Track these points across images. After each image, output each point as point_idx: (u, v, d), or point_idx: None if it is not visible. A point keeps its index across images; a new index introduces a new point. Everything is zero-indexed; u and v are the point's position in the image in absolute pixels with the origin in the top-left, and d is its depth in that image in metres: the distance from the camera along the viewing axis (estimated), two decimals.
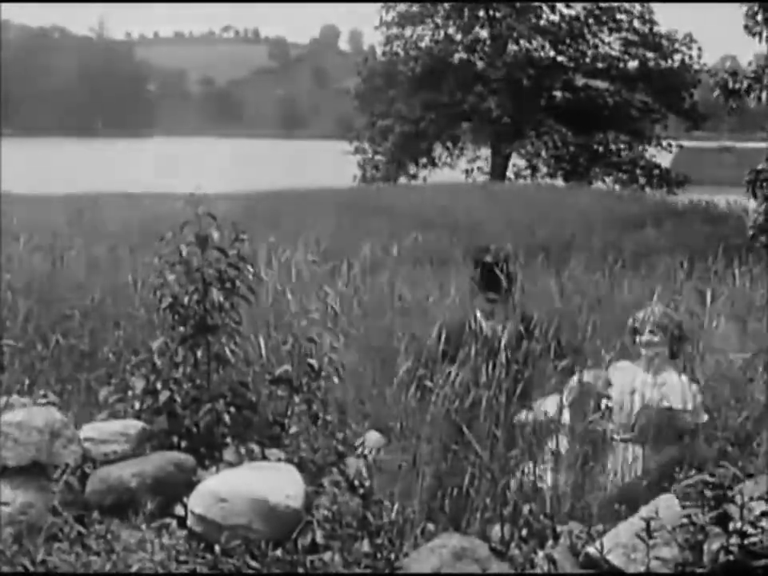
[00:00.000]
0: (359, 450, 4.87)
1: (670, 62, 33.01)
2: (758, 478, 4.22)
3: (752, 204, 17.02)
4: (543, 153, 31.90)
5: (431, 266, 10.89)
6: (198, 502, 4.45)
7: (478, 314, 5.97)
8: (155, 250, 5.26)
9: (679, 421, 5.40)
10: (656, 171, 32.41)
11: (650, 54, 32.91)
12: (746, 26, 16.71)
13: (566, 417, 5.05)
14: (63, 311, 7.79)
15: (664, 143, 32.97)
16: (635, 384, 5.48)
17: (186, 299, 5.11)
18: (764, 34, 16.53)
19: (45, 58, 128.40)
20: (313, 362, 5.19)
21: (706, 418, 5.45)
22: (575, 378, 5.21)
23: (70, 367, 6.68)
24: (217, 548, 4.26)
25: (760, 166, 16.15)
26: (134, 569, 4.14)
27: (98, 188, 22.48)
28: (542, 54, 32.98)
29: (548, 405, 5.18)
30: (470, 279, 6.18)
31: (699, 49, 33.05)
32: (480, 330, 5.85)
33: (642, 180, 32.08)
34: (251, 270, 5.22)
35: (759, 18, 16.40)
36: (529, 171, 32.49)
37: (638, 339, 5.60)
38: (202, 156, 66.85)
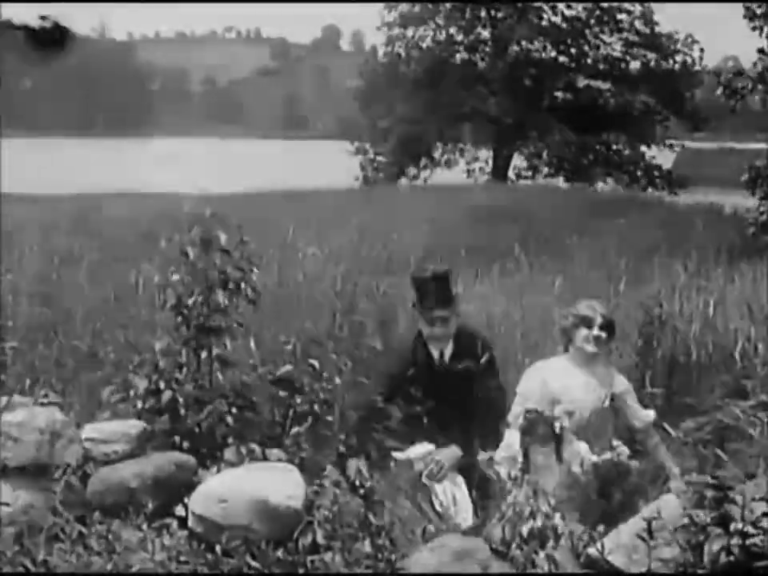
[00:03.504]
0: None
1: (671, 62, 33.00)
2: (759, 478, 4.22)
3: (752, 202, 16.97)
4: (544, 153, 31.88)
5: None
6: (199, 502, 4.45)
7: (428, 343, 5.67)
8: (160, 251, 5.27)
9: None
10: (657, 172, 32.39)
11: (651, 55, 32.90)
12: (745, 16, 16.71)
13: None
14: (65, 312, 7.80)
15: (666, 143, 32.95)
16: (577, 382, 5.34)
17: (189, 300, 5.11)
18: (765, 30, 16.51)
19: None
20: (314, 362, 5.19)
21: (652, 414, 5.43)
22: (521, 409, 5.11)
23: (71, 367, 6.69)
24: (217, 548, 4.26)
25: (758, 163, 16.11)
26: (134, 569, 4.14)
27: (99, 188, 22.48)
28: (544, 54, 32.94)
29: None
30: (412, 305, 5.91)
31: (701, 50, 33.08)
32: (429, 359, 5.68)
33: (643, 181, 32.05)
34: (255, 271, 5.22)
35: (759, 11, 16.40)
36: (530, 172, 32.47)
37: (581, 335, 5.36)
38: (203, 156, 66.86)
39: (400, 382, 5.46)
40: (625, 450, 5.16)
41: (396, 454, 5.21)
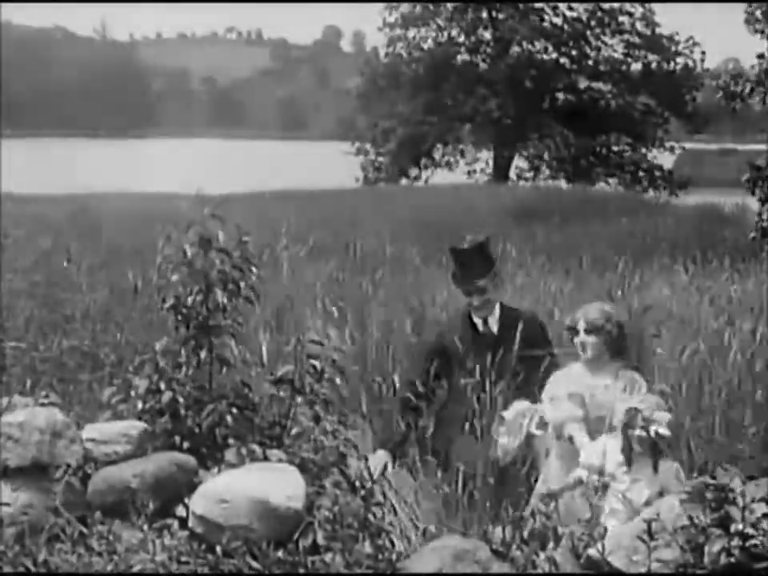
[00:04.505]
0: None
1: (672, 64, 33.06)
2: (760, 479, 4.22)
3: (754, 204, 16.94)
4: (545, 155, 31.91)
5: None
6: (200, 502, 4.45)
7: (472, 313, 5.80)
8: (159, 251, 5.27)
9: None
10: (658, 173, 32.43)
11: (652, 57, 32.96)
12: (746, 21, 16.67)
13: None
14: (65, 312, 7.81)
15: (667, 145, 32.99)
16: (576, 388, 5.19)
17: (189, 300, 5.11)
18: (766, 32, 16.46)
19: (46, 58, 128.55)
20: (315, 362, 5.18)
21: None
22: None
23: (72, 368, 6.70)
24: (218, 549, 4.26)
25: (759, 162, 16.06)
26: (135, 569, 4.14)
27: (99, 188, 22.48)
28: (545, 55, 33.01)
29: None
30: (451, 276, 5.98)
31: (703, 52, 33.13)
32: (474, 328, 5.75)
33: (644, 182, 32.09)
34: (255, 271, 5.22)
35: (759, 13, 16.34)
36: (531, 173, 32.50)
37: (575, 342, 5.30)
38: (204, 157, 66.87)
39: (442, 352, 5.62)
40: None
41: (504, 413, 5.20)
